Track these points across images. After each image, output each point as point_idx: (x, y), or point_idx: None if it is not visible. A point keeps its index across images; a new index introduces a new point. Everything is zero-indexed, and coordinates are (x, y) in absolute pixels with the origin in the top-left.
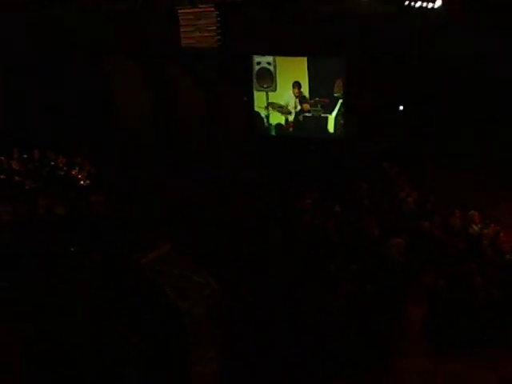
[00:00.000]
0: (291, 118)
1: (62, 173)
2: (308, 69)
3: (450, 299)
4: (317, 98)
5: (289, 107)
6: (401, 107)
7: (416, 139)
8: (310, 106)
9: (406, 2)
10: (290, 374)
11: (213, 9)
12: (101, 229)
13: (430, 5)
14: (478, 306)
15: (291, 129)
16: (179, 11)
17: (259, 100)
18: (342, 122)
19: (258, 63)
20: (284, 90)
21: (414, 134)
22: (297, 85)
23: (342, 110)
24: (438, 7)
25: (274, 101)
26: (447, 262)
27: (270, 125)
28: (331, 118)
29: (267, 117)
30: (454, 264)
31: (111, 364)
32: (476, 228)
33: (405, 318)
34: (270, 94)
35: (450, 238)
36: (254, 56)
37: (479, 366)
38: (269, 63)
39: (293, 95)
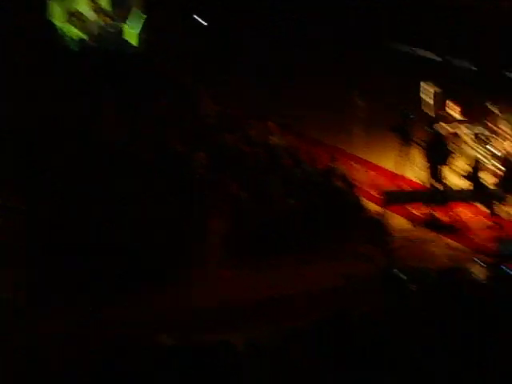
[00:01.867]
0: None
1: None
2: None
3: (251, 210)
4: None
5: None
6: None
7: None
8: None
9: None
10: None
11: None
12: None
13: None
14: (278, 215)
15: None
16: None
17: None
18: None
19: None
20: None
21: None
22: None
23: None
24: None
25: None
26: (249, 174)
27: None
28: None
29: None
30: (255, 175)
31: None
32: (275, 139)
33: (206, 230)
34: None
35: (251, 150)
36: None
37: (281, 272)
38: None
39: None
